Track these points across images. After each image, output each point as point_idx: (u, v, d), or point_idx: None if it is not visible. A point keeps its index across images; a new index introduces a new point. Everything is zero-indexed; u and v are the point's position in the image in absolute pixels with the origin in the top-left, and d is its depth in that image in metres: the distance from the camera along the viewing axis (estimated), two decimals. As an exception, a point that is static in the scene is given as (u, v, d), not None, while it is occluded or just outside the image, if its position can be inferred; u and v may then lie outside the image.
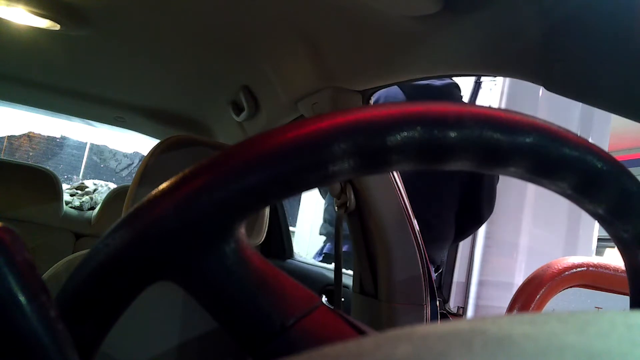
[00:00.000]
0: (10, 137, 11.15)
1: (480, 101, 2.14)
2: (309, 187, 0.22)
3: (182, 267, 0.22)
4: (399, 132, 0.21)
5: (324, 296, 1.39)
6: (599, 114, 2.40)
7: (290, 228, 1.82)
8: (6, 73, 1.49)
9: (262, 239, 0.86)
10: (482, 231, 2.11)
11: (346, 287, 1.06)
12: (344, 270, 0.90)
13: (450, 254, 1.94)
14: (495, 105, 2.08)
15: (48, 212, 1.69)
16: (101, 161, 11.72)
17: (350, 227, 0.92)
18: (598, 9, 0.42)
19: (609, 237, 0.29)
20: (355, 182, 0.86)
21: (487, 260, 2.08)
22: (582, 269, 1.22)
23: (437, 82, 1.45)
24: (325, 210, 2.13)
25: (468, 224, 1.59)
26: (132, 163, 11.55)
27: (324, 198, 2.00)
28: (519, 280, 2.05)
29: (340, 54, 0.80)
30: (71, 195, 2.09)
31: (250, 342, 0.23)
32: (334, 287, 0.91)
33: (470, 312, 2.04)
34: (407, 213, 0.86)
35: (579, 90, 0.46)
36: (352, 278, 0.95)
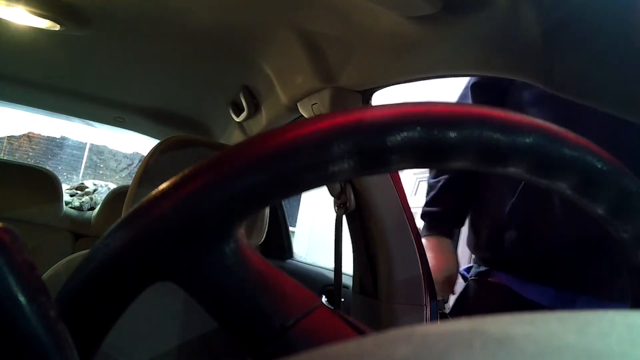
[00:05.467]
0: (10, 138, 11.15)
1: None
2: (308, 188, 0.22)
3: (181, 267, 0.22)
4: (399, 133, 0.21)
5: (324, 296, 1.39)
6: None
7: (290, 228, 1.82)
8: (6, 73, 1.49)
9: (262, 239, 0.86)
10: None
11: (346, 287, 1.06)
12: (343, 270, 0.90)
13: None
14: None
15: (48, 212, 1.69)
16: (101, 161, 11.72)
17: (350, 228, 0.92)
18: (598, 9, 0.42)
19: (608, 237, 0.29)
20: (355, 182, 0.86)
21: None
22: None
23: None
24: None
25: None
26: (132, 163, 11.55)
27: None
28: (519, 280, 2.04)
29: (340, 54, 0.80)
30: (71, 195, 2.09)
31: (250, 343, 0.23)
32: (334, 287, 0.91)
33: (470, 312, 2.04)
34: (407, 213, 0.86)
35: (579, 90, 0.46)
36: (352, 278, 0.95)
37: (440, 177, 1.03)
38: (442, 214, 1.02)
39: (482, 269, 0.97)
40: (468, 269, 1.02)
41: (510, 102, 0.92)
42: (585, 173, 0.24)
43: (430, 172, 1.09)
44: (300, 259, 1.69)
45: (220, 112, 1.44)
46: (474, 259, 1.01)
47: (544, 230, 0.84)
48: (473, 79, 1.00)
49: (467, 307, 0.97)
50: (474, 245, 1.00)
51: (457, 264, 1.03)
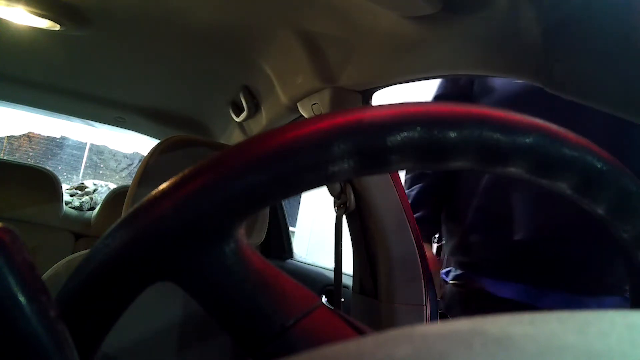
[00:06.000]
0: (10, 138, 11.15)
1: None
2: (308, 188, 0.22)
3: (181, 267, 0.22)
4: (399, 133, 0.21)
5: (324, 296, 1.39)
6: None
7: (290, 228, 1.82)
8: (6, 73, 1.49)
9: (262, 239, 0.86)
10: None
11: (346, 287, 1.06)
12: (343, 270, 0.90)
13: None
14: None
15: (48, 212, 1.69)
16: (101, 161, 11.73)
17: (350, 228, 0.92)
18: (598, 9, 0.42)
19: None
20: (355, 183, 0.86)
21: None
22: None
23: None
24: None
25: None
26: (132, 163, 11.55)
27: None
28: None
29: (340, 54, 0.80)
30: (71, 195, 2.09)
31: (250, 343, 0.23)
32: (334, 287, 0.91)
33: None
34: (406, 213, 0.86)
35: (579, 90, 0.46)
36: (352, 278, 0.95)
37: (414, 187, 1.10)
38: (417, 221, 1.06)
39: (459, 272, 1.02)
40: (447, 273, 1.05)
41: None
42: (585, 173, 0.24)
43: (405, 184, 1.13)
44: (300, 259, 1.69)
45: (220, 112, 1.44)
46: (453, 263, 1.06)
47: (507, 230, 0.88)
48: (437, 92, 1.07)
49: (447, 310, 1.01)
50: (449, 249, 1.05)
51: (438, 266, 1.09)
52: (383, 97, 0.89)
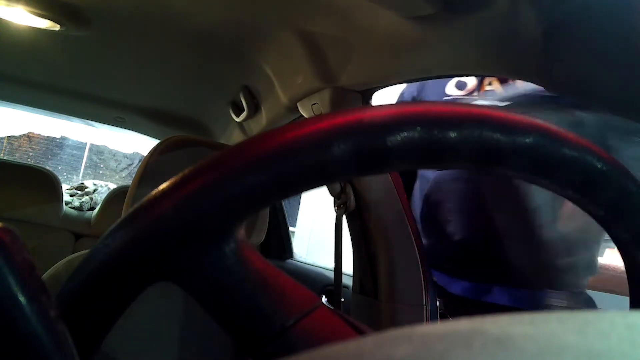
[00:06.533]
0: (10, 138, 11.16)
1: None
2: (308, 188, 0.22)
3: (181, 267, 0.22)
4: (399, 133, 0.21)
5: (324, 296, 1.39)
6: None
7: (290, 228, 1.82)
8: (6, 73, 1.49)
9: (262, 239, 0.86)
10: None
11: (346, 287, 1.06)
12: (343, 270, 0.90)
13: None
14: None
15: (48, 212, 1.69)
16: (101, 161, 11.73)
17: (350, 227, 0.92)
18: (598, 9, 0.42)
19: (608, 237, 0.29)
20: (355, 182, 0.86)
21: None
22: (582, 269, 1.22)
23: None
24: None
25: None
26: (132, 163, 11.55)
27: None
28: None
29: (340, 54, 0.80)
30: (71, 195, 2.09)
31: (250, 343, 0.23)
32: (334, 287, 0.91)
33: (470, 312, 2.03)
34: (407, 213, 0.86)
35: (579, 90, 0.46)
36: (352, 278, 0.95)
37: None
38: None
39: None
40: None
41: None
42: (586, 173, 0.24)
43: None
44: (300, 259, 1.69)
45: (220, 112, 1.44)
46: None
47: (446, 234, 0.95)
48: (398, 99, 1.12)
49: None
50: None
51: None
52: (383, 97, 0.89)
